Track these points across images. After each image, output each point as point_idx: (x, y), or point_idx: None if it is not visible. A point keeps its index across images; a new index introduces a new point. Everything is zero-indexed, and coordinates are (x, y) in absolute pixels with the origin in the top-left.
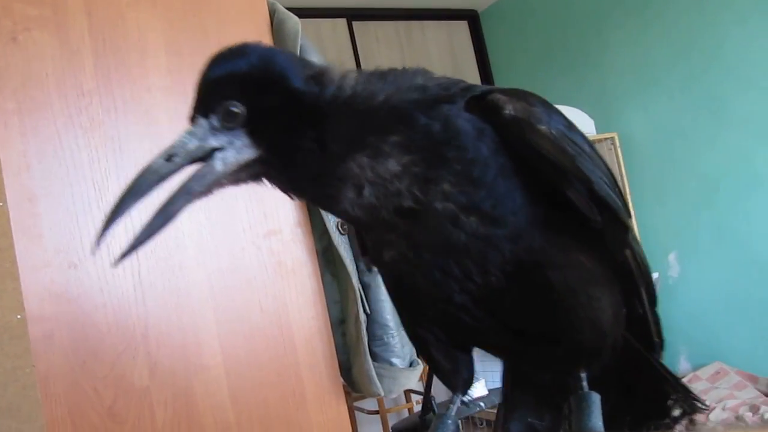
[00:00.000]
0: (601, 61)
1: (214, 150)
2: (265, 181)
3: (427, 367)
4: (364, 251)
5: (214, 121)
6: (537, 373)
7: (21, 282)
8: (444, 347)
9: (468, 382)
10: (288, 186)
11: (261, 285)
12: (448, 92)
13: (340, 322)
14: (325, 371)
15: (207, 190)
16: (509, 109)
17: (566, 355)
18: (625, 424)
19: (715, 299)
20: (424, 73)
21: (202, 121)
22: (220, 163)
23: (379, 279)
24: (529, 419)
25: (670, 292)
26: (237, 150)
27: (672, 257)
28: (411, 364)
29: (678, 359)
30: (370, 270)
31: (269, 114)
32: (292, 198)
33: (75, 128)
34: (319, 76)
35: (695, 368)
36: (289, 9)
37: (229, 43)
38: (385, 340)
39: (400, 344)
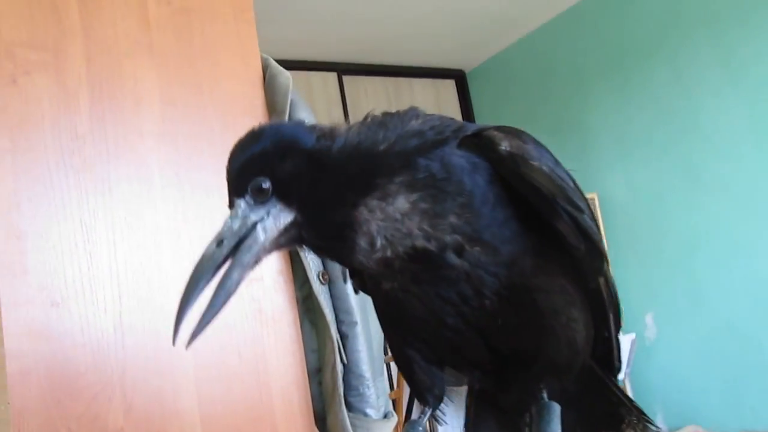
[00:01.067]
0: (583, 124)
1: (255, 224)
2: (303, 245)
3: (403, 419)
4: (353, 273)
5: (249, 199)
6: (503, 396)
7: (2, 317)
8: (426, 365)
9: (440, 398)
10: (319, 244)
11: (240, 331)
12: (442, 136)
13: (316, 371)
14: (300, 420)
15: (257, 260)
16: (505, 146)
17: (540, 371)
18: None
19: (691, 362)
20: (417, 115)
21: (240, 202)
22: (262, 233)
23: (358, 329)
24: None
25: (647, 353)
26: (274, 217)
27: (649, 318)
28: (385, 416)
29: (654, 420)
30: (357, 292)
31: (293, 178)
32: (324, 258)
33: (66, 169)
34: (329, 133)
35: (671, 430)
36: (283, 62)
37: (221, 93)
38: (361, 390)
39: (375, 395)
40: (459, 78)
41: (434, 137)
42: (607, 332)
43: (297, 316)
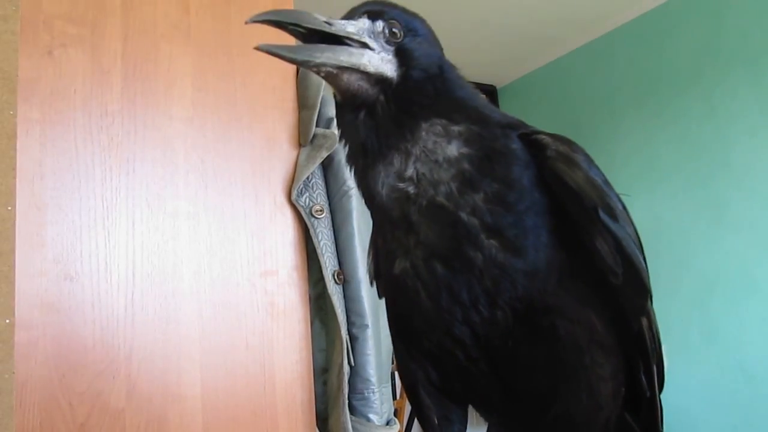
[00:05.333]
0: (610, 153)
1: (366, 45)
2: (360, 118)
3: (404, 430)
4: (378, 274)
5: (378, 27)
6: None
7: (15, 287)
8: (434, 391)
9: None
10: (366, 133)
11: (250, 323)
12: (514, 122)
13: (323, 371)
14: (302, 418)
15: (342, 66)
16: (554, 148)
17: (554, 424)
18: None
19: (700, 399)
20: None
21: (366, 21)
22: (366, 56)
23: (369, 333)
24: None
25: None
26: (382, 59)
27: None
28: (388, 423)
29: None
30: (372, 284)
31: (418, 55)
32: (351, 166)
33: (93, 145)
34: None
35: None
36: None
37: (253, 84)
38: (366, 394)
39: (379, 401)
40: (490, 93)
41: (510, 121)
42: (649, 390)
43: (308, 313)
